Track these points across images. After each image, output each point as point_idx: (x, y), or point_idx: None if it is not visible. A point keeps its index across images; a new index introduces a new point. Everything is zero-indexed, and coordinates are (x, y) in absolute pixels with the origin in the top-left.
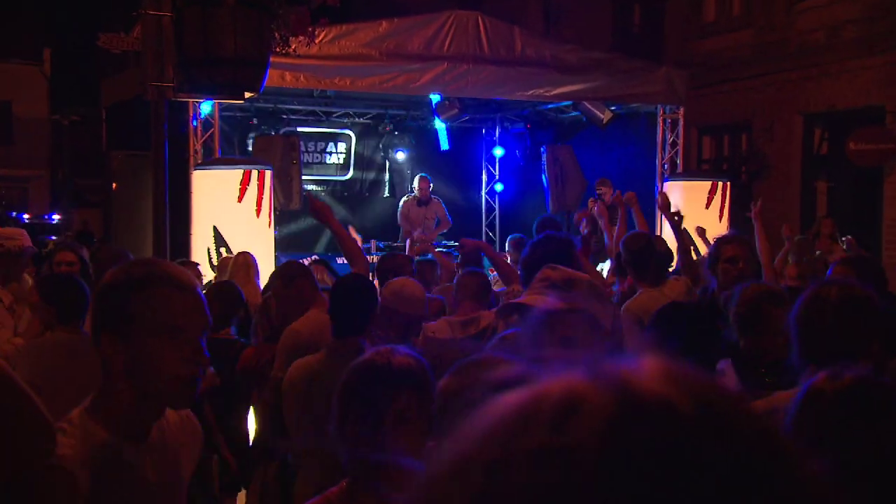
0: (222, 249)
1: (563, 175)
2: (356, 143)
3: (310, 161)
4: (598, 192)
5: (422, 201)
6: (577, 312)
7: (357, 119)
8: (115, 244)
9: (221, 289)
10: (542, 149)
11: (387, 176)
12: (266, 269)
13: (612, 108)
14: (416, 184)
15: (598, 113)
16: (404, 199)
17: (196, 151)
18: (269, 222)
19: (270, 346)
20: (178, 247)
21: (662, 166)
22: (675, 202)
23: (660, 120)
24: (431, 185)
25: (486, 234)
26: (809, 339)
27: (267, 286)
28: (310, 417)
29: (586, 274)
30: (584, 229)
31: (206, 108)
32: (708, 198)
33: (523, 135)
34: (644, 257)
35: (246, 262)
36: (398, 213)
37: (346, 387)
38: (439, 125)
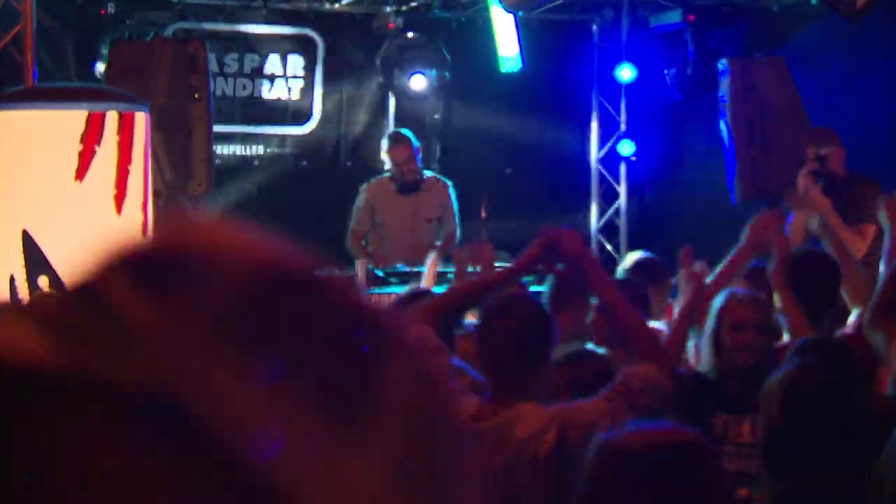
0: (42, 279)
1: (766, 119)
2: (325, 59)
3: (228, 94)
4: (813, 154)
5: (406, 185)
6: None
7: (327, 5)
8: None
9: None
10: (718, 65)
11: (390, 125)
12: None
13: None
14: (385, 148)
15: None
16: (368, 183)
17: None
18: (143, 223)
19: None
20: None
21: None
22: None
23: None
24: (419, 150)
25: (597, 240)
26: None
27: None
28: None
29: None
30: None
31: None
32: None
33: (679, 37)
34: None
35: None
36: (353, 211)
37: None
38: (501, 19)
